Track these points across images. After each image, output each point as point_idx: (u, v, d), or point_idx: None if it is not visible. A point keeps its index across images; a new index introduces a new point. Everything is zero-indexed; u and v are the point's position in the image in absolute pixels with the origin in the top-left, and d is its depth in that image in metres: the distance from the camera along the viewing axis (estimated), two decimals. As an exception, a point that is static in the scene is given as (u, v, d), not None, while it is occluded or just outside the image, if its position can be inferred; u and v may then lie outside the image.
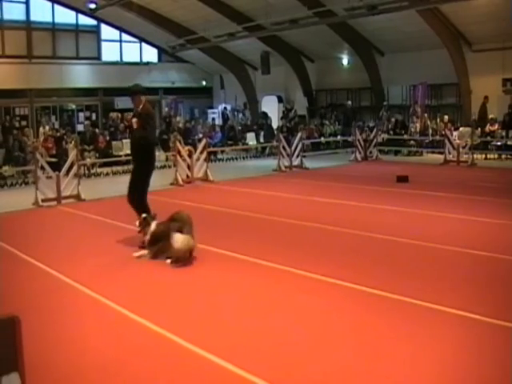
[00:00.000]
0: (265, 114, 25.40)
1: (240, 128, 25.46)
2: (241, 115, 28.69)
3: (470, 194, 11.70)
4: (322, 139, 23.04)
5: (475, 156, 17.59)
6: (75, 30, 27.50)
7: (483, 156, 18.89)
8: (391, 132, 21.87)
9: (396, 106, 23.94)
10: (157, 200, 10.93)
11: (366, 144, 19.46)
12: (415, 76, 22.21)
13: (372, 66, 24.36)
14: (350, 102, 24.94)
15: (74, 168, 12.48)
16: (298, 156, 17.31)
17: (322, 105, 27.57)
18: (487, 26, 19.20)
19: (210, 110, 30.75)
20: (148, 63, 29.87)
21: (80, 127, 25.75)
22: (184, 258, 6.84)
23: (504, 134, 18.90)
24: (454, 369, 4.10)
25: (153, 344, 4.63)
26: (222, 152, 21.44)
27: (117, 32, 28.78)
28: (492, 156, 19.00)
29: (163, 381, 4.05)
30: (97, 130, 19.44)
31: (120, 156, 17.18)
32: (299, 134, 17.76)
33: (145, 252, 7.32)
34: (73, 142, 14.01)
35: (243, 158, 21.22)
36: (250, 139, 23.76)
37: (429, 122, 21.19)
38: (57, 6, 26.51)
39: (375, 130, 19.94)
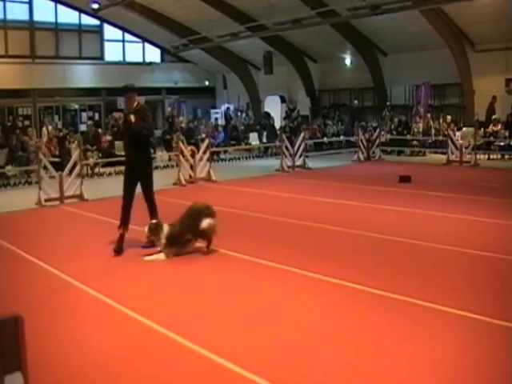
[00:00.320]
0: (267, 114, 25.41)
1: (243, 128, 25.47)
2: (244, 115, 28.68)
3: (472, 195, 11.69)
4: (325, 139, 23.05)
5: (478, 156, 17.56)
6: (78, 30, 27.55)
7: (486, 156, 18.86)
8: (394, 132, 21.87)
9: (399, 106, 23.94)
10: (159, 200, 10.92)
11: (369, 144, 19.46)
12: (418, 76, 22.20)
13: (375, 66, 24.34)
14: (356, 102, 24.86)
15: (77, 168, 12.50)
16: (300, 156, 17.31)
17: (325, 105, 27.56)
18: (490, 26, 19.17)
19: (212, 110, 30.79)
20: (151, 63, 29.89)
21: (83, 127, 25.82)
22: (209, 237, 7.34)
23: (507, 134, 18.87)
24: (454, 368, 4.10)
25: (155, 343, 4.64)
26: (225, 152, 21.46)
27: (120, 32, 28.82)
28: (495, 156, 18.98)
29: (165, 380, 4.06)
30: (100, 130, 19.46)
31: (123, 156, 17.17)
32: (302, 134, 17.76)
33: (160, 256, 7.22)
34: (76, 142, 14.02)
35: (246, 158, 21.23)
36: (253, 139, 23.77)
37: (432, 122, 21.20)
38: (60, 6, 26.55)
39: (378, 130, 19.93)
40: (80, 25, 27.54)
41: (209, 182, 14.55)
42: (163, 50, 30.19)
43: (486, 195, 11.56)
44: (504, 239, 8.02)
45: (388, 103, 23.93)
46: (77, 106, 27.89)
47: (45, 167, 12.25)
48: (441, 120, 21.25)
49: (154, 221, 7.35)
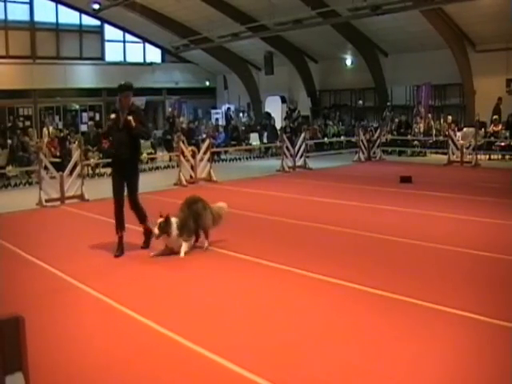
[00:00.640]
0: (268, 115, 25.42)
1: (243, 128, 25.48)
2: (245, 115, 28.64)
3: (473, 195, 11.69)
4: (326, 139, 23.05)
5: (479, 156, 17.56)
6: (79, 31, 27.57)
7: (487, 156, 18.85)
8: (395, 132, 21.88)
9: (400, 106, 23.94)
10: (160, 200, 10.97)
11: (370, 144, 19.46)
12: (419, 76, 22.20)
13: (376, 67, 24.35)
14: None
15: (78, 168, 12.51)
16: (301, 156, 17.31)
17: (326, 105, 27.58)
18: (491, 26, 19.18)
19: (213, 111, 30.80)
20: (151, 63, 29.91)
21: (84, 127, 25.84)
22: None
23: (508, 134, 18.88)
24: (454, 368, 4.11)
25: (155, 344, 4.65)
26: (226, 152, 21.47)
27: (120, 32, 28.84)
28: (496, 156, 18.97)
29: (166, 381, 4.07)
30: (100, 131, 19.44)
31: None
32: (303, 135, 17.76)
33: (186, 246, 7.41)
34: (76, 143, 14.03)
35: (246, 158, 21.23)
36: (254, 140, 23.77)
37: (432, 123, 21.19)
38: (60, 7, 26.58)
39: (379, 131, 19.93)
40: (81, 25, 27.56)
41: (209, 183, 14.56)
42: (164, 51, 30.21)
43: (486, 195, 11.56)
44: (504, 239, 8.02)
45: (389, 103, 23.94)
46: (77, 107, 27.91)
47: (45, 167, 12.27)
48: (441, 120, 21.26)
49: (161, 218, 7.28)
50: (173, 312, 5.40)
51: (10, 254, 7.79)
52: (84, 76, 27.48)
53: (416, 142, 21.33)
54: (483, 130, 19.33)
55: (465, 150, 17.50)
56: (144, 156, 18.27)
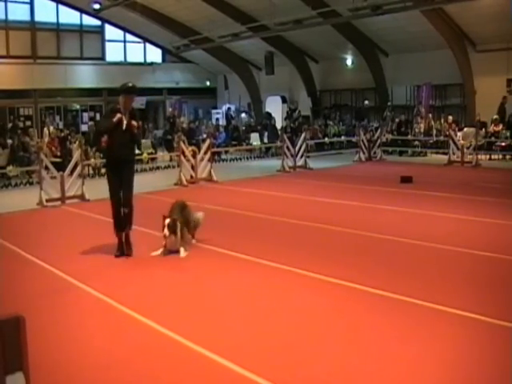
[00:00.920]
0: (269, 115, 25.41)
1: (244, 128, 25.48)
2: (247, 115, 28.60)
3: (473, 195, 11.68)
4: (326, 140, 23.05)
5: (479, 156, 17.56)
6: (79, 31, 27.59)
7: (487, 156, 18.85)
8: (395, 132, 21.88)
9: (400, 106, 23.94)
10: (161, 200, 10.96)
11: (370, 144, 19.46)
12: (419, 76, 22.20)
13: (376, 67, 24.35)
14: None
15: (78, 168, 12.51)
16: (302, 156, 17.31)
17: (326, 105, 27.57)
18: (491, 26, 19.17)
19: (213, 111, 30.80)
20: (152, 63, 29.92)
21: (84, 127, 25.85)
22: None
23: (508, 134, 18.88)
24: (454, 368, 4.11)
25: (156, 343, 4.65)
26: (226, 152, 21.47)
27: (121, 32, 28.86)
28: (496, 156, 18.97)
29: (166, 380, 4.07)
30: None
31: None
32: (303, 135, 17.75)
33: (185, 246, 7.50)
34: (77, 143, 14.04)
35: (247, 158, 21.23)
36: (254, 139, 23.77)
37: (433, 123, 21.18)
38: (61, 7, 26.60)
39: (379, 131, 19.93)
40: (81, 25, 27.58)
41: (210, 183, 14.56)
42: (164, 51, 30.22)
43: (487, 195, 11.56)
44: (505, 239, 8.02)
45: (389, 103, 23.93)
46: (78, 107, 27.92)
47: (46, 167, 12.28)
48: (442, 120, 21.25)
49: (168, 219, 7.33)
50: (173, 312, 5.40)
51: (10, 253, 7.80)
52: (84, 76, 27.50)
53: (416, 142, 21.34)
54: (484, 129, 19.32)
55: (465, 150, 17.49)
56: (144, 156, 18.30)
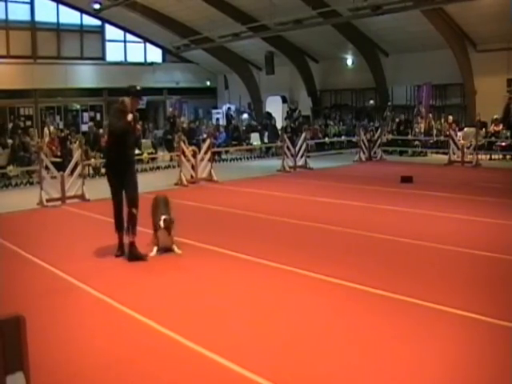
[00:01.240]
0: (269, 115, 25.40)
1: (244, 128, 25.47)
2: (248, 116, 28.56)
3: (473, 195, 11.68)
4: (327, 139, 23.05)
5: (480, 156, 17.55)
6: (80, 31, 27.59)
7: (488, 156, 18.84)
8: (395, 132, 21.87)
9: (400, 106, 23.93)
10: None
11: (371, 144, 19.45)
12: (420, 76, 22.19)
13: (376, 67, 24.34)
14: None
15: (79, 168, 12.51)
16: (302, 156, 17.31)
17: (327, 105, 27.56)
18: (492, 26, 19.17)
19: (214, 111, 30.79)
20: (152, 63, 29.91)
21: (84, 127, 25.84)
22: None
23: (508, 134, 18.87)
24: (454, 368, 4.11)
25: (156, 343, 4.65)
26: (226, 152, 21.46)
27: (121, 32, 28.85)
28: (497, 156, 18.96)
29: (166, 380, 4.07)
30: (100, 131, 19.45)
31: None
32: (303, 135, 17.75)
33: (175, 247, 7.55)
34: (77, 143, 14.04)
35: (247, 158, 21.22)
36: (255, 139, 23.77)
37: (433, 123, 21.18)
38: (61, 7, 26.60)
39: (379, 131, 19.93)
40: (81, 25, 27.58)
41: (210, 182, 14.56)
42: (165, 50, 30.22)
43: (487, 195, 11.56)
44: (505, 239, 8.02)
45: (389, 103, 23.92)
46: (78, 107, 27.92)
47: (46, 167, 12.28)
48: (442, 120, 21.25)
49: (164, 216, 7.37)
50: (173, 312, 5.40)
51: (10, 253, 7.80)
52: (85, 76, 27.50)
53: (417, 142, 21.33)
54: (484, 129, 19.32)
55: (466, 149, 17.49)
56: (145, 156, 18.31)
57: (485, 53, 20.57)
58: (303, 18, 20.64)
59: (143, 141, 19.12)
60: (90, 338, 4.82)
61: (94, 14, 25.46)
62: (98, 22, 27.95)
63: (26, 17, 25.85)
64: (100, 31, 28.34)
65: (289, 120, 24.82)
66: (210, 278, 6.53)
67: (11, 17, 25.21)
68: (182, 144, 14.61)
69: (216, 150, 18.74)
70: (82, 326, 5.09)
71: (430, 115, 21.60)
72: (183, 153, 14.47)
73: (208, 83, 32.17)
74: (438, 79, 22.00)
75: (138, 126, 7.51)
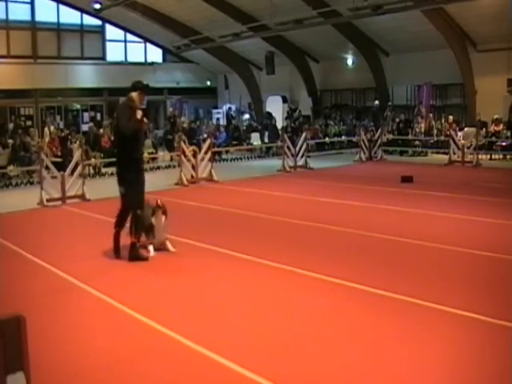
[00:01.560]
0: (269, 114, 25.40)
1: (244, 128, 25.47)
2: (249, 117, 28.57)
3: (474, 195, 11.68)
4: (327, 139, 23.05)
5: (480, 156, 17.55)
6: (80, 31, 27.61)
7: (488, 156, 18.84)
8: (395, 132, 21.86)
9: (401, 106, 23.92)
10: (161, 200, 10.94)
11: (371, 144, 19.45)
12: (420, 76, 22.18)
13: (377, 66, 24.33)
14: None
15: (79, 168, 12.52)
16: (302, 156, 17.31)
17: (327, 105, 27.56)
18: (492, 26, 19.17)
19: (214, 110, 30.79)
20: (153, 63, 29.93)
21: (85, 127, 25.83)
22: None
23: (509, 134, 18.86)
24: (454, 368, 4.11)
25: (157, 343, 4.65)
26: (227, 152, 21.46)
27: (121, 32, 28.87)
28: (497, 156, 18.95)
29: (167, 380, 4.07)
30: (101, 131, 19.46)
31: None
32: (304, 134, 17.75)
33: (169, 244, 7.64)
34: (77, 142, 14.04)
35: (248, 158, 21.22)
36: (255, 139, 23.77)
37: (433, 123, 21.17)
38: (62, 7, 26.63)
39: (380, 131, 19.92)
40: (82, 25, 27.60)
41: (210, 182, 14.56)
42: (165, 50, 30.24)
43: (487, 195, 11.56)
44: (505, 239, 8.02)
45: (390, 103, 23.91)
46: (79, 106, 27.93)
47: (47, 167, 12.28)
48: (443, 120, 21.24)
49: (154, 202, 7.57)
50: (174, 311, 5.41)
51: (11, 253, 7.80)
52: (85, 76, 27.51)
53: (417, 142, 21.32)
54: (484, 129, 19.31)
55: (466, 149, 17.49)
56: (145, 156, 18.29)
57: (485, 53, 20.56)
58: (303, 18, 20.63)
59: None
60: (90, 337, 4.82)
61: (95, 13, 25.50)
62: (98, 22, 27.98)
63: (27, 17, 25.86)
64: (100, 31, 28.37)
65: (289, 120, 24.82)
66: (211, 277, 6.53)
67: (11, 17, 25.24)
68: (183, 144, 14.61)
69: (216, 149, 18.74)
70: (83, 326, 5.09)
71: (431, 115, 21.59)
72: (183, 153, 14.47)
73: (208, 83, 32.18)
74: (438, 79, 22.00)
75: (146, 120, 7.48)
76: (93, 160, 16.67)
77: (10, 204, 11.72)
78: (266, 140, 23.45)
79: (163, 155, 20.51)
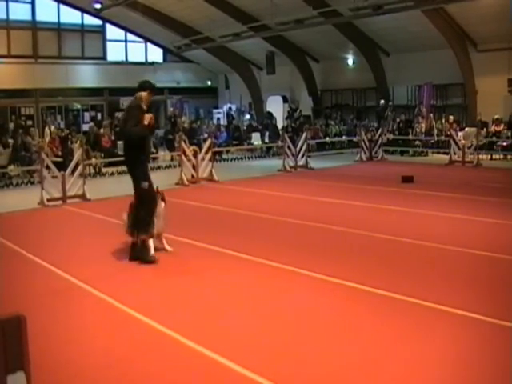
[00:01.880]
0: (270, 114, 25.40)
1: (245, 128, 25.47)
2: (250, 117, 28.55)
3: (474, 195, 11.68)
4: (327, 139, 23.05)
5: (480, 156, 17.55)
6: (81, 30, 27.59)
7: (489, 156, 18.83)
8: (396, 132, 21.86)
9: (401, 106, 23.91)
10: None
11: (371, 144, 19.45)
12: (420, 76, 22.17)
13: (377, 66, 24.32)
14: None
15: (80, 168, 12.52)
16: (303, 156, 17.30)
17: (327, 105, 27.55)
18: (492, 26, 19.15)
19: (215, 110, 30.78)
20: (153, 63, 29.91)
21: (85, 127, 25.83)
22: None
23: (510, 134, 18.85)
24: (454, 368, 4.11)
25: (158, 343, 4.65)
26: (227, 152, 21.46)
27: (122, 32, 28.85)
28: (497, 156, 18.94)
29: (168, 380, 4.07)
30: (101, 130, 19.46)
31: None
32: (304, 134, 17.74)
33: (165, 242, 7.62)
34: (78, 142, 14.05)
35: (248, 158, 21.21)
36: (255, 139, 23.76)
37: (434, 123, 21.15)
38: (62, 6, 26.60)
39: (380, 130, 19.92)
40: (82, 25, 27.58)
41: (211, 182, 14.56)
42: (165, 50, 30.22)
43: (488, 195, 11.55)
44: (505, 239, 8.02)
45: (390, 103, 23.89)
46: (79, 106, 27.92)
47: (47, 167, 12.28)
48: (443, 120, 21.23)
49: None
50: (174, 311, 5.41)
51: (11, 253, 7.81)
52: (86, 75, 27.50)
53: (418, 142, 21.32)
54: (485, 129, 19.30)
55: (466, 149, 17.48)
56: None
57: (485, 53, 20.55)
58: (304, 18, 20.64)
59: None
60: (90, 337, 4.83)
61: (95, 13, 25.47)
62: (98, 22, 27.96)
63: (27, 16, 25.84)
64: (101, 31, 28.34)
65: (290, 120, 24.81)
66: (211, 277, 6.53)
67: (12, 16, 25.21)
68: (183, 144, 14.63)
69: (217, 149, 18.74)
70: (83, 326, 5.10)
71: (431, 115, 21.57)
72: (184, 152, 14.48)
73: (209, 83, 32.17)
74: (438, 79, 21.99)
75: (154, 124, 7.41)
76: (93, 160, 16.68)
77: (11, 204, 11.73)
78: (267, 140, 23.44)
79: (164, 155, 20.52)
